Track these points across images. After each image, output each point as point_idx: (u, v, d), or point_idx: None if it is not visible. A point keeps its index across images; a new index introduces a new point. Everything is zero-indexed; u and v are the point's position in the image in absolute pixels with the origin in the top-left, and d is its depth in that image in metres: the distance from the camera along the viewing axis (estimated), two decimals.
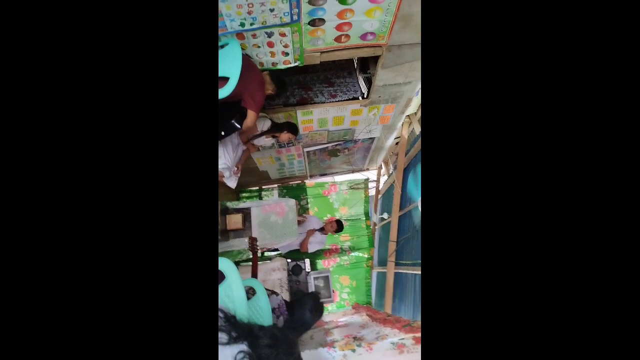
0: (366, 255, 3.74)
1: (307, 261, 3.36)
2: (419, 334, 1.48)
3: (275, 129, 2.22)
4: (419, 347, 1.30)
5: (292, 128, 2.30)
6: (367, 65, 2.28)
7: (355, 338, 1.91)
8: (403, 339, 1.43)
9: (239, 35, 1.61)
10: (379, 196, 4.02)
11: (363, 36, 1.71)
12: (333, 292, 3.31)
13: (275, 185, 3.80)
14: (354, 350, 1.27)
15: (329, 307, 3.56)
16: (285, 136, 2.30)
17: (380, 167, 3.87)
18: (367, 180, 3.89)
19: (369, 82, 2.30)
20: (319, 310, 1.73)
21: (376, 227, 3.89)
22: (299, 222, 3.04)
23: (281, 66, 1.86)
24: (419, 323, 1.86)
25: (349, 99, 2.45)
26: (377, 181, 4.05)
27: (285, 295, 2.89)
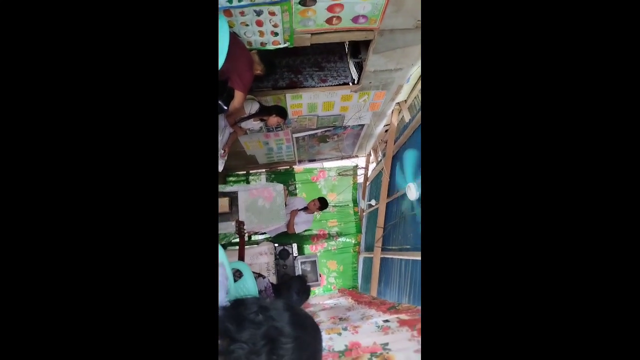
0: (353, 241, 3.80)
1: (295, 246, 3.39)
2: (403, 316, 1.53)
3: (263, 112, 2.18)
4: (403, 329, 1.35)
5: (281, 112, 2.26)
6: (359, 50, 2.25)
7: (340, 319, 1.96)
8: (388, 320, 1.47)
9: (226, 12, 1.55)
10: (368, 183, 4.05)
11: (355, 19, 1.68)
12: (320, 276, 3.36)
13: (263, 170, 3.77)
14: (339, 334, 1.30)
15: (315, 291, 3.62)
16: (273, 120, 2.26)
17: (369, 154, 3.89)
18: (355, 167, 3.90)
19: (360, 68, 2.27)
20: (305, 292, 1.76)
21: (364, 213, 3.94)
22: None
23: (270, 47, 1.81)
24: (404, 306, 1.92)
25: (340, 84, 2.42)
26: (366, 168, 4.07)
27: (272, 279, 2.92)
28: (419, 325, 1.31)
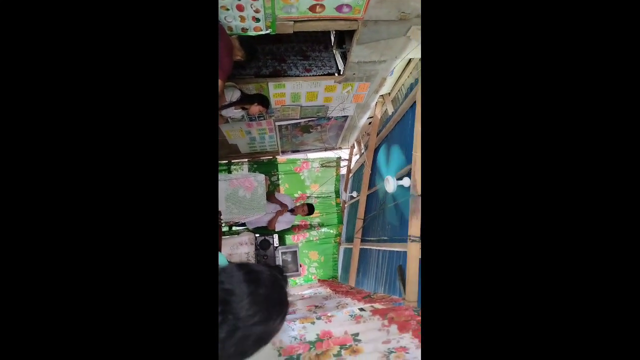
0: (335, 232, 3.83)
1: (276, 236, 3.39)
2: (377, 305, 1.57)
3: (245, 100, 2.13)
4: (375, 317, 1.38)
5: (263, 100, 2.22)
6: (344, 40, 2.22)
7: (317, 307, 1.99)
8: (363, 309, 1.50)
9: None
10: (350, 175, 4.07)
11: (339, 8, 1.65)
12: (301, 266, 3.38)
13: (246, 160, 3.72)
14: (313, 323, 1.31)
15: (297, 281, 3.65)
16: (255, 108, 2.22)
17: (352, 146, 3.89)
18: (339, 159, 3.90)
19: (345, 58, 2.24)
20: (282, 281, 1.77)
21: (346, 205, 3.97)
22: (272, 202, 3.03)
23: (252, 33, 1.76)
24: (379, 295, 1.96)
25: (324, 74, 2.39)
26: (349, 160, 4.08)
27: None
28: (390, 314, 1.35)
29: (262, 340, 0.53)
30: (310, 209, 2.93)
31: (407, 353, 0.95)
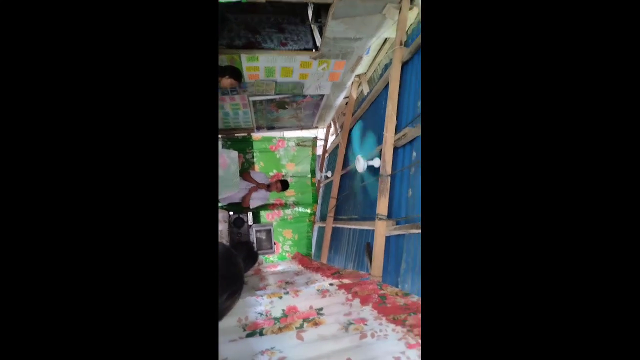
0: (309, 211, 3.87)
1: (250, 214, 3.37)
2: (345, 280, 1.63)
3: None
4: (340, 292, 1.43)
5: (235, 73, 2.13)
6: (320, 14, 2.14)
7: (287, 282, 2.04)
8: (332, 284, 1.56)
9: None
10: (326, 155, 4.07)
11: None
12: (275, 244, 3.41)
13: (219, 136, 3.60)
14: (280, 298, 1.35)
15: (271, 258, 3.70)
16: (227, 82, 2.13)
17: (329, 126, 3.87)
18: (315, 138, 3.88)
19: (322, 34, 2.17)
20: (252, 258, 1.78)
21: (321, 184, 3.99)
22: (246, 180, 2.99)
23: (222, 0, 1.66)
24: (347, 271, 2.03)
25: (301, 49, 2.31)
26: (325, 140, 4.07)
27: None
28: (355, 288, 1.41)
29: None
30: (284, 185, 2.92)
31: (366, 325, 1.00)
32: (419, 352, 0.76)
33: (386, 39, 2.32)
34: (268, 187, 2.95)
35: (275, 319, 1.16)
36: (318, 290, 1.47)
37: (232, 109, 3.05)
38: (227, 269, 0.54)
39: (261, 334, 1.03)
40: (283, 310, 1.23)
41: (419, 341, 0.79)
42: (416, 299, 1.18)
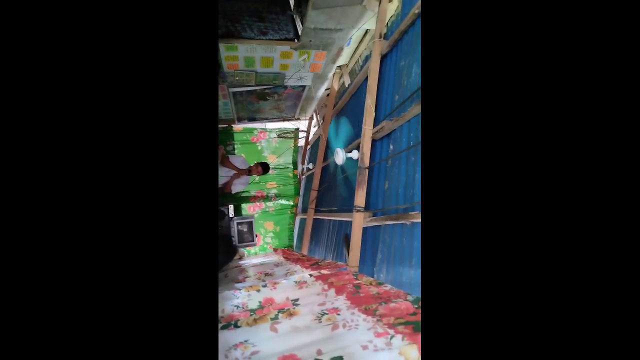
0: (291, 203, 3.87)
1: (231, 207, 3.34)
2: (324, 271, 1.65)
3: None
4: (317, 283, 1.45)
5: (265, 167, 2.09)
6: (301, 3, 2.10)
7: (266, 274, 2.05)
8: (311, 274, 1.57)
9: None
10: (308, 147, 4.06)
11: None
12: (256, 236, 3.40)
13: None
14: (258, 291, 1.35)
15: (252, 251, 3.69)
16: (256, 170, 2.09)
17: (311, 118, 3.85)
18: (297, 130, 3.85)
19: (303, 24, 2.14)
20: (230, 252, 1.78)
21: (303, 176, 3.99)
22: (226, 167, 2.93)
23: None
24: (326, 262, 2.06)
25: (281, 39, 2.27)
26: (307, 132, 4.05)
27: None
28: (331, 279, 1.43)
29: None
30: (265, 168, 2.87)
31: (339, 314, 1.03)
32: (387, 340, 0.78)
33: (367, 30, 2.32)
34: (249, 172, 2.89)
35: (252, 310, 1.17)
36: (296, 282, 1.48)
37: None
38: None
39: (236, 325, 1.04)
40: (260, 302, 1.24)
41: (387, 330, 0.82)
42: (389, 287, 1.22)
